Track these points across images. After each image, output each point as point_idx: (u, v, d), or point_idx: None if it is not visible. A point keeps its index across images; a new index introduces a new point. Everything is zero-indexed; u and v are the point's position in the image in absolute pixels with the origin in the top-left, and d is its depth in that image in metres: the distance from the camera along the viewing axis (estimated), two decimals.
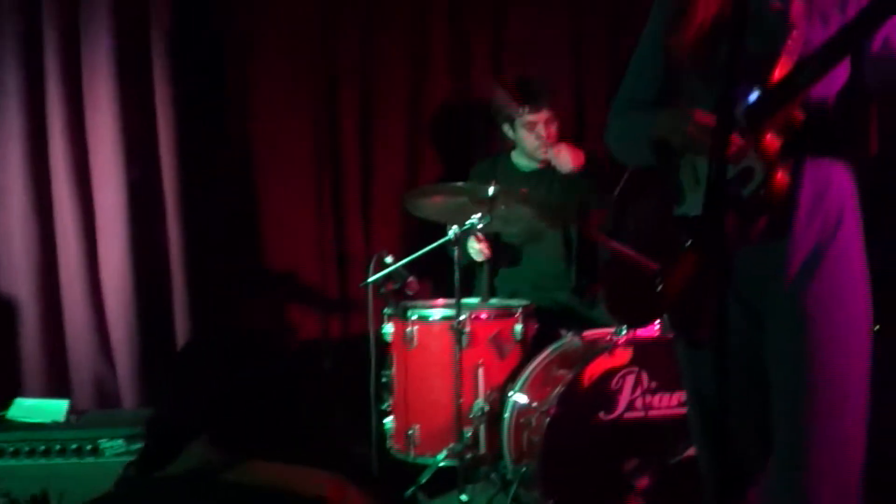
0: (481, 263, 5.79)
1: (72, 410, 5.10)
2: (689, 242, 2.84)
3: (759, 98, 2.73)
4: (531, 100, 5.71)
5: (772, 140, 2.72)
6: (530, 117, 5.75)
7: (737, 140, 2.72)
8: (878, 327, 2.94)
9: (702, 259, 2.18)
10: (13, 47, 5.60)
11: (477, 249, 5.67)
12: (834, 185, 2.91)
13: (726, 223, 2.64)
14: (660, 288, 2.93)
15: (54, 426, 4.91)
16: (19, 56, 5.61)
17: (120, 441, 4.73)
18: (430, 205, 5.34)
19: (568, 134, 6.30)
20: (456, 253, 5.05)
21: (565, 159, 5.61)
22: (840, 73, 2.89)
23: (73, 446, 4.73)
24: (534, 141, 5.78)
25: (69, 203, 5.67)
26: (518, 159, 6.00)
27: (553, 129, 5.79)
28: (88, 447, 4.72)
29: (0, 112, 5.62)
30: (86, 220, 5.71)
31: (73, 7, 5.68)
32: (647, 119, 3.10)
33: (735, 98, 2.56)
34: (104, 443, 4.73)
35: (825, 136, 2.90)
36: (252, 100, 6.20)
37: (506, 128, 5.90)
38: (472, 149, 6.53)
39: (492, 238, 5.82)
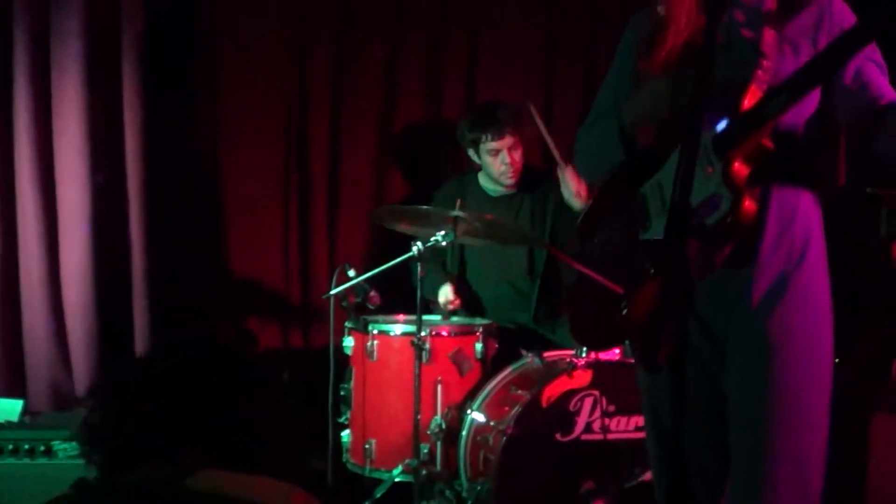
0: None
1: (26, 411, 5.07)
2: (652, 268, 2.84)
3: (728, 126, 2.74)
4: (494, 125, 5.70)
5: (740, 168, 2.73)
6: (493, 144, 5.72)
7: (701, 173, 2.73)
8: (838, 360, 2.96)
9: (664, 285, 2.18)
10: None
11: (448, 299, 5.64)
12: (800, 214, 2.93)
13: (689, 250, 2.66)
14: (624, 312, 2.93)
15: (7, 425, 4.87)
16: None
17: (74, 444, 4.70)
18: (396, 222, 5.33)
19: (535, 159, 6.32)
20: (419, 268, 5.04)
21: (571, 185, 5.54)
22: (810, 103, 2.92)
23: (26, 447, 4.70)
24: (499, 166, 5.76)
25: (33, 205, 5.62)
26: (485, 182, 5.99)
27: (517, 155, 5.77)
28: (41, 448, 4.69)
29: None
30: (48, 223, 5.67)
31: (44, 9, 5.64)
32: (616, 118, 3.12)
33: (702, 125, 2.56)
34: (58, 444, 4.70)
35: (793, 165, 2.93)
36: (221, 108, 6.17)
37: (471, 152, 5.89)
38: (440, 167, 6.52)
39: (461, 287, 5.82)
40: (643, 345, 2.95)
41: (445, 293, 5.64)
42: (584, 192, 5.43)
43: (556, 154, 5.49)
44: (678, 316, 2.17)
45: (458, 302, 5.65)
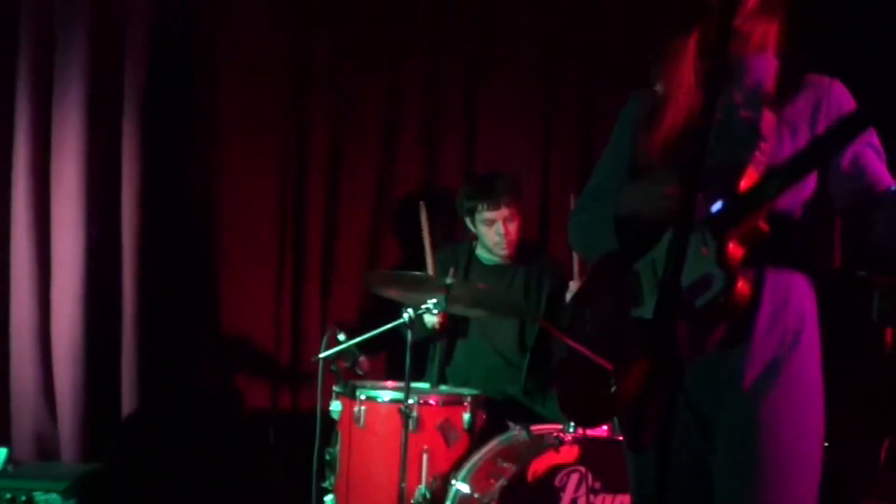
0: (436, 343, 5.76)
1: (10, 460, 5.05)
2: (642, 346, 2.83)
3: (724, 207, 2.74)
4: (491, 197, 5.72)
5: (735, 249, 2.72)
6: (489, 214, 5.74)
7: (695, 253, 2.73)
8: (827, 444, 2.94)
9: (652, 366, 2.17)
10: None
11: (434, 322, 5.65)
12: (794, 297, 2.92)
13: (680, 330, 2.65)
14: (613, 389, 2.92)
15: None
16: None
17: (56, 495, 4.68)
18: (389, 288, 5.32)
19: (531, 232, 6.34)
20: (410, 335, 5.02)
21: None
22: (807, 186, 2.92)
23: (8, 496, 4.69)
24: (493, 237, 5.78)
25: (27, 253, 5.63)
26: (481, 252, 6.01)
27: (513, 227, 5.79)
28: (23, 498, 4.68)
29: None
30: (42, 272, 5.67)
31: (49, 54, 5.69)
32: (608, 204, 3.11)
33: (698, 205, 2.56)
34: (39, 495, 4.68)
35: (788, 248, 2.92)
36: (219, 162, 6.19)
37: (468, 221, 5.91)
38: (435, 235, 6.53)
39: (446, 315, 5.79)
40: (630, 425, 2.93)
41: (429, 315, 5.61)
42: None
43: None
44: (665, 398, 2.15)
45: (444, 320, 5.65)
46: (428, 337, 5.78)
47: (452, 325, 5.84)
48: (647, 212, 2.96)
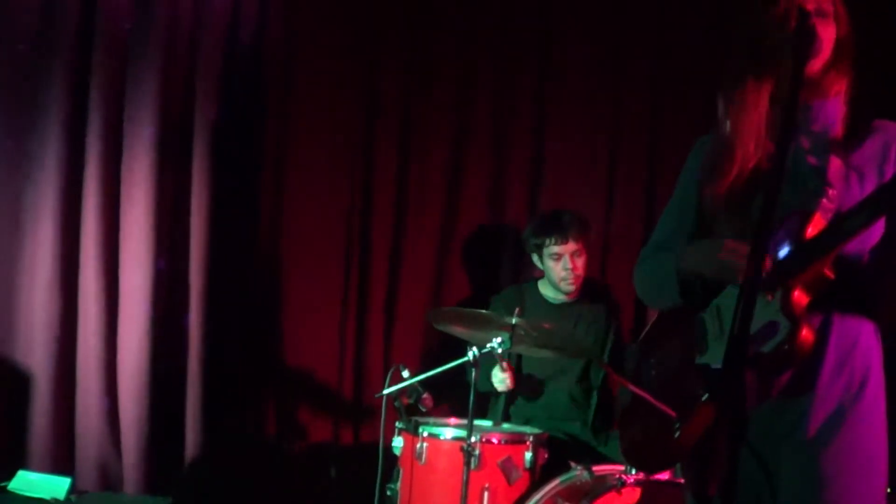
0: (500, 393, 5.76)
1: (73, 490, 5.09)
2: (707, 394, 2.82)
3: (790, 253, 2.73)
4: (559, 231, 5.73)
5: (800, 296, 2.71)
6: (557, 248, 5.75)
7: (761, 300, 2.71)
8: (890, 490, 2.91)
9: (718, 413, 2.16)
10: (59, 125, 5.67)
11: (501, 378, 5.62)
12: (861, 345, 2.90)
13: (746, 379, 2.63)
14: (676, 436, 2.91)
15: (53, 503, 4.88)
16: (63, 135, 5.67)
17: None
18: (453, 325, 5.32)
19: (595, 272, 6.34)
20: (473, 374, 5.02)
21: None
22: (874, 232, 2.89)
23: None
24: (560, 272, 5.78)
25: (95, 282, 5.69)
26: (545, 290, 6.01)
27: (580, 262, 5.79)
28: None
29: (37, 184, 5.67)
30: (109, 302, 5.72)
31: (119, 94, 5.76)
32: (676, 256, 3.10)
33: (766, 252, 2.55)
34: None
35: (855, 295, 2.90)
36: (286, 200, 6.21)
37: (535, 257, 5.92)
38: (500, 272, 6.53)
39: (517, 369, 5.80)
40: (695, 474, 2.92)
41: (501, 368, 5.58)
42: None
43: None
44: (731, 447, 2.14)
45: (511, 378, 5.62)
46: (493, 389, 5.76)
47: (520, 384, 5.83)
48: (709, 270, 2.95)
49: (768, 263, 2.73)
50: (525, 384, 5.89)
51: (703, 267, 2.97)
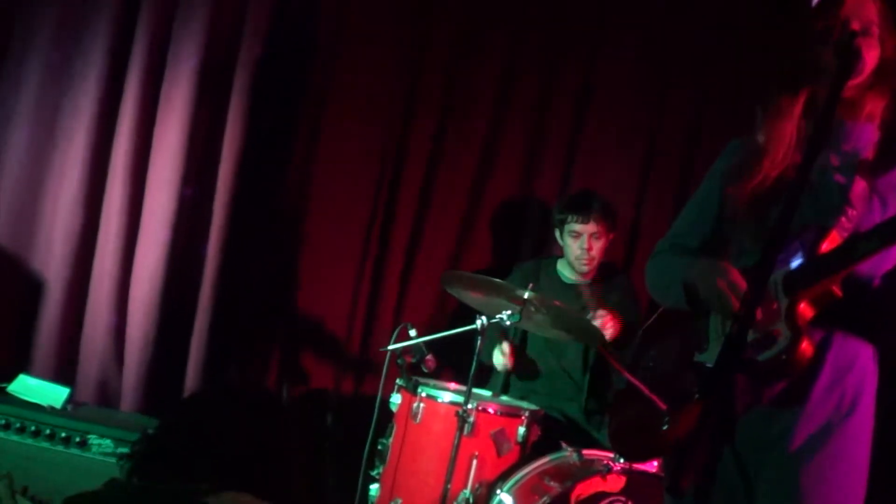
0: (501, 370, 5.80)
1: (71, 400, 5.13)
2: (699, 392, 2.84)
3: (801, 266, 2.75)
4: (582, 211, 5.75)
5: (805, 309, 2.73)
6: (577, 226, 5.78)
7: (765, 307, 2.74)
8: None
9: (703, 413, 2.18)
10: (105, 44, 5.69)
11: (502, 361, 5.72)
12: (857, 367, 2.92)
13: (738, 382, 2.65)
14: (665, 429, 2.93)
15: (50, 410, 4.93)
16: (108, 53, 5.69)
17: (109, 441, 4.75)
18: (466, 290, 5.36)
19: (618, 259, 6.34)
20: (479, 342, 5.05)
21: (605, 331, 5.62)
22: (889, 259, 2.91)
23: (63, 434, 4.76)
24: (576, 250, 5.81)
25: (119, 201, 5.72)
26: (562, 268, 6.03)
27: (598, 244, 5.81)
28: (77, 439, 4.74)
29: (76, 98, 5.70)
30: (131, 221, 5.75)
31: (168, 18, 5.78)
32: (684, 262, 3.12)
33: (776, 261, 2.57)
34: (94, 438, 4.75)
35: (860, 317, 2.91)
36: (318, 148, 6.21)
37: (557, 233, 5.95)
38: (522, 246, 6.54)
39: (518, 352, 5.85)
40: (672, 466, 2.95)
41: (503, 349, 5.71)
42: (614, 334, 5.53)
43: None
44: (710, 446, 2.16)
45: (511, 361, 5.71)
46: (491, 365, 5.82)
47: (519, 368, 5.88)
48: (703, 290, 2.97)
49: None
50: (523, 367, 5.92)
51: (700, 285, 2.99)
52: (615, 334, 5.53)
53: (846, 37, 2.72)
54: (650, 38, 6.62)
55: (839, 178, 2.92)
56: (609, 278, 5.99)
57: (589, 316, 5.52)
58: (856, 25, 2.87)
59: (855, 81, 2.91)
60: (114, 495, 2.51)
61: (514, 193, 6.61)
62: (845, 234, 2.81)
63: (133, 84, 5.70)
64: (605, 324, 5.49)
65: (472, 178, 6.54)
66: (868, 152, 2.96)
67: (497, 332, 5.68)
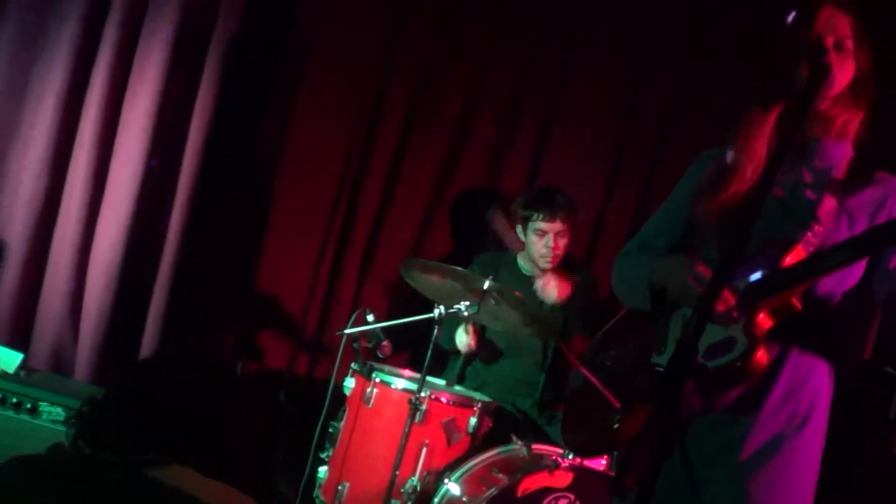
0: (459, 353, 5.81)
1: (24, 366, 5.10)
2: (650, 393, 2.86)
3: (763, 277, 2.77)
4: (548, 209, 5.75)
5: (764, 319, 2.76)
6: (543, 225, 5.77)
7: (726, 303, 2.76)
8: None
9: (651, 414, 2.19)
10: (80, 8, 5.61)
11: (465, 342, 5.71)
12: (812, 382, 2.94)
13: (692, 386, 2.67)
14: (615, 427, 2.95)
15: (2, 375, 4.89)
16: (83, 18, 5.61)
17: (60, 409, 4.72)
18: (426, 279, 5.35)
19: (579, 255, 6.37)
20: (436, 331, 5.06)
21: (550, 290, 5.67)
22: (850, 276, 2.93)
23: (13, 400, 4.73)
24: (540, 248, 5.80)
25: (85, 168, 5.66)
26: (523, 262, 6.04)
27: (562, 243, 5.81)
28: (28, 405, 4.71)
29: (48, 62, 5.63)
30: (95, 189, 5.70)
31: None
32: (651, 263, 3.14)
33: (735, 271, 2.60)
34: (44, 406, 4.73)
35: (819, 333, 2.94)
36: (288, 128, 6.19)
37: (519, 229, 5.94)
38: (484, 238, 6.54)
39: (481, 334, 5.85)
40: (618, 464, 2.97)
41: (466, 328, 5.71)
42: (561, 292, 5.61)
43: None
44: (657, 448, 2.18)
45: (475, 340, 5.71)
46: (454, 349, 5.83)
47: (482, 350, 5.90)
48: (673, 286, 2.99)
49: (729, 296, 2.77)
50: (485, 348, 5.93)
51: (669, 282, 3.01)
52: (561, 296, 5.58)
53: (817, 52, 2.73)
54: (624, 37, 6.63)
55: (810, 194, 2.94)
56: (570, 271, 5.99)
57: (535, 285, 5.57)
58: (829, 41, 2.90)
59: (828, 95, 2.93)
60: (56, 461, 2.50)
61: (480, 185, 6.61)
62: (810, 249, 2.83)
63: (105, 53, 5.64)
64: (545, 284, 5.54)
65: (439, 167, 6.54)
66: (840, 170, 2.98)
67: (455, 321, 5.70)
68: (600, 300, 6.06)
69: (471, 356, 5.91)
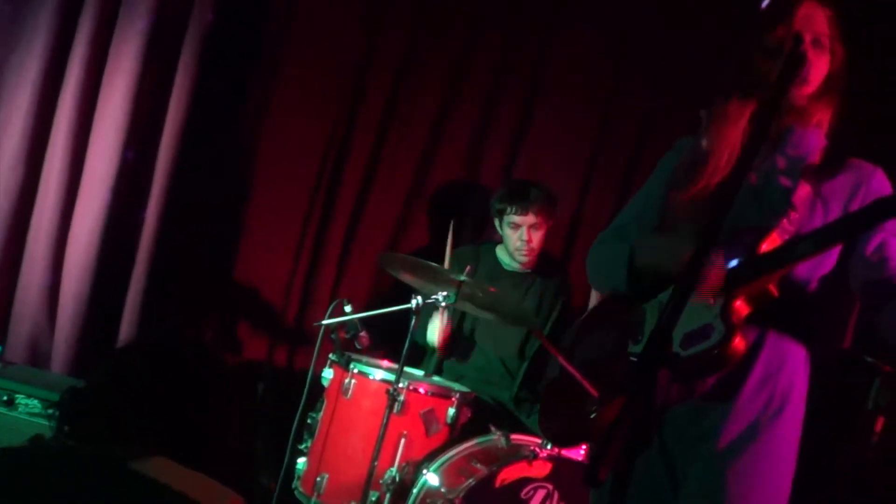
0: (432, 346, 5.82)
1: (0, 358, 5.08)
2: (625, 383, 2.87)
3: (740, 264, 2.77)
4: (521, 202, 5.75)
5: (741, 306, 2.76)
6: (516, 218, 5.77)
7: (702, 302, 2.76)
8: None
9: (625, 404, 2.19)
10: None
11: (432, 339, 5.73)
12: (788, 367, 2.94)
13: (667, 375, 2.67)
14: (592, 417, 2.95)
15: None
16: (58, 10, 5.60)
17: (37, 401, 4.71)
18: (403, 271, 5.36)
19: (556, 248, 6.38)
20: (413, 321, 5.06)
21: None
22: (826, 262, 2.95)
23: None
24: (515, 241, 5.81)
25: (60, 160, 5.64)
26: (502, 254, 6.04)
27: (537, 236, 5.81)
28: (4, 398, 4.69)
29: (22, 53, 5.61)
30: (71, 181, 5.68)
31: None
32: (635, 244, 3.14)
33: (707, 258, 2.60)
34: (21, 398, 4.70)
35: (795, 318, 2.94)
36: (266, 117, 6.19)
37: (496, 222, 5.94)
38: (463, 231, 6.54)
39: (454, 329, 5.85)
40: (591, 456, 2.97)
41: (436, 322, 5.71)
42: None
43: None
44: (631, 438, 2.17)
45: (447, 332, 5.71)
46: (424, 342, 5.84)
47: (453, 349, 5.91)
48: (668, 267, 2.98)
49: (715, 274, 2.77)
50: (456, 347, 5.94)
51: (663, 263, 3.00)
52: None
53: (794, 43, 2.73)
54: (603, 29, 6.62)
55: (784, 181, 2.95)
56: (548, 275, 6.01)
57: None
58: (807, 35, 2.91)
59: (805, 91, 2.95)
60: (37, 453, 2.50)
61: (458, 176, 6.61)
62: (786, 236, 2.83)
63: (81, 43, 5.61)
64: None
65: (418, 158, 6.54)
66: (814, 157, 2.99)
67: (432, 312, 5.70)
68: (572, 307, 6.06)
69: (441, 353, 5.90)
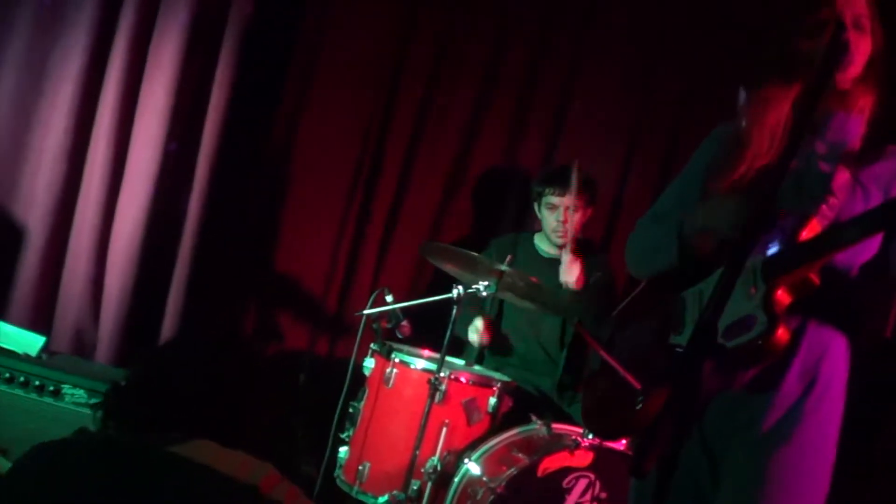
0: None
1: (46, 349, 5.12)
2: (669, 374, 2.85)
3: (781, 252, 2.75)
4: (560, 183, 5.76)
5: (783, 295, 2.73)
6: (554, 199, 5.79)
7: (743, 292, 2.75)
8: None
9: (670, 394, 2.18)
10: None
11: (476, 338, 5.71)
12: (830, 356, 2.92)
13: (710, 365, 2.65)
14: (637, 409, 2.94)
15: (25, 358, 4.92)
16: (99, 4, 5.63)
17: (83, 391, 4.74)
18: (444, 261, 5.37)
19: (598, 235, 6.36)
20: (455, 311, 5.07)
21: (571, 273, 5.66)
22: (867, 250, 2.91)
23: (37, 383, 4.74)
24: (552, 222, 5.83)
25: (104, 153, 5.68)
26: (540, 242, 6.05)
27: (575, 217, 5.80)
28: (51, 388, 4.73)
29: (65, 48, 5.64)
30: (114, 174, 5.72)
31: None
32: (684, 216, 3.10)
33: (756, 246, 2.58)
34: (67, 388, 4.74)
35: (837, 306, 2.92)
36: (306, 108, 6.21)
37: (535, 206, 5.96)
38: (503, 218, 6.55)
39: (494, 327, 5.84)
40: (637, 448, 2.95)
41: (477, 326, 5.71)
42: (579, 280, 5.61)
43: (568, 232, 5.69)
44: (676, 429, 2.17)
45: (487, 336, 5.70)
46: (465, 339, 5.84)
47: (495, 345, 5.90)
48: (718, 226, 2.95)
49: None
50: (498, 343, 5.93)
51: (721, 223, 2.94)
52: (580, 282, 5.59)
53: (836, 30, 2.72)
54: (641, 15, 6.61)
55: (823, 166, 2.93)
56: (588, 256, 5.98)
57: (564, 253, 5.64)
58: (847, 18, 2.88)
59: (849, 75, 2.92)
60: (82, 444, 2.53)
61: (497, 165, 6.61)
62: (826, 223, 2.81)
63: (123, 36, 5.65)
64: (570, 265, 5.56)
65: (457, 146, 6.56)
66: (854, 143, 2.96)
67: (474, 305, 5.71)
68: (615, 294, 6.04)
69: (482, 350, 5.90)
